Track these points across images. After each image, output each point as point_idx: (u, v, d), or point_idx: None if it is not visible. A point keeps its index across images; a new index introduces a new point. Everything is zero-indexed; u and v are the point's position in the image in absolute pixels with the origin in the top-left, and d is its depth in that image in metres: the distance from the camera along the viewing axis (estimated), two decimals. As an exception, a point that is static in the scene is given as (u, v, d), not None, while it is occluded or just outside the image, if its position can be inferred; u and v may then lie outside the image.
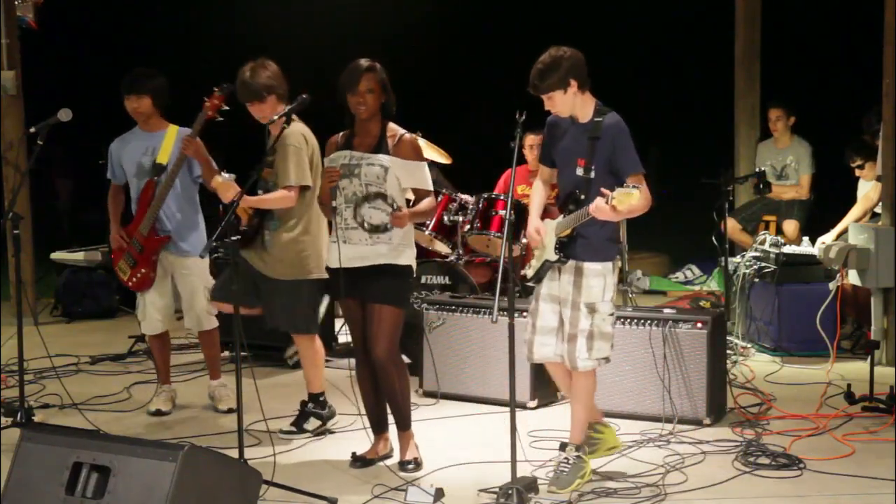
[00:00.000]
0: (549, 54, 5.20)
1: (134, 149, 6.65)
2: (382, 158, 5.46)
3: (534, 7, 17.17)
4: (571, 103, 5.23)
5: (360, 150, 5.51)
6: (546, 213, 5.55)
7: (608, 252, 5.29)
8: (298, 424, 6.25)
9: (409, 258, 5.56)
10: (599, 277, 5.26)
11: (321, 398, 6.29)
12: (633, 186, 4.91)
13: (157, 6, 15.35)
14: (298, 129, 5.98)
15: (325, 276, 5.89)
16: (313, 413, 6.27)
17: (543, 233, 5.36)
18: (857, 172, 8.59)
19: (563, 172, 5.37)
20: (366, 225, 5.43)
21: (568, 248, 5.26)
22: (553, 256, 5.28)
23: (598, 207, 5.02)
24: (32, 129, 6.38)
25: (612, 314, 5.31)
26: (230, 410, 6.59)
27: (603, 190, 5.02)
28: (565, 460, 5.39)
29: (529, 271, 5.43)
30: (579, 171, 5.20)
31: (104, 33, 15.39)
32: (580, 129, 5.26)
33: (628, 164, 5.16)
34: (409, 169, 5.49)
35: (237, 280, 5.49)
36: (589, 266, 5.25)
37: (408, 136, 5.54)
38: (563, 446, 5.47)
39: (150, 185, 6.53)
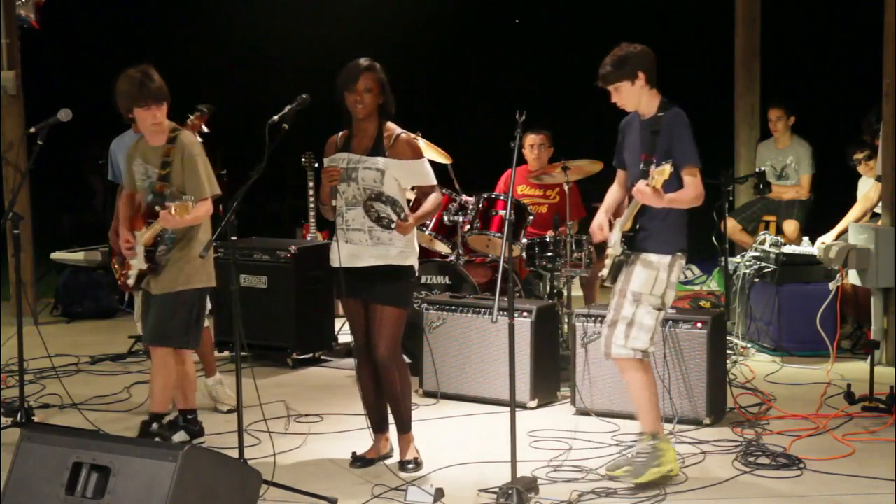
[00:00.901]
0: (619, 47, 5.32)
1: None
2: (378, 161, 5.44)
3: (534, 7, 17.18)
4: (638, 97, 5.31)
5: (358, 151, 5.50)
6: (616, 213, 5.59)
7: (668, 244, 5.31)
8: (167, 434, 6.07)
9: (411, 259, 5.55)
10: (653, 270, 5.30)
11: (164, 420, 6.05)
12: (665, 162, 4.98)
13: (157, 6, 15.34)
14: (191, 137, 5.87)
15: (209, 284, 5.91)
16: (159, 434, 6.00)
17: (607, 229, 5.41)
18: (860, 167, 8.57)
19: (630, 169, 5.45)
20: (383, 221, 5.39)
21: (631, 242, 5.33)
22: (618, 251, 5.34)
23: (639, 189, 5.10)
24: (32, 129, 6.36)
25: (659, 309, 5.32)
26: (231, 411, 6.58)
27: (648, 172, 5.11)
28: (640, 449, 5.37)
29: (605, 271, 5.47)
30: (641, 166, 5.27)
31: (104, 33, 15.38)
32: (645, 124, 5.34)
33: (682, 156, 5.21)
34: (407, 168, 5.48)
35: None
36: (645, 256, 5.31)
37: (404, 135, 5.52)
38: (639, 435, 5.46)
39: None
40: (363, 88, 5.42)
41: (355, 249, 5.48)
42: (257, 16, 15.07)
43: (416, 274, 5.67)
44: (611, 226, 5.47)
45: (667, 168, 4.98)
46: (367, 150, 5.49)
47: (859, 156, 8.52)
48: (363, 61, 5.48)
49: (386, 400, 5.68)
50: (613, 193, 5.60)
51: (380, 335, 5.49)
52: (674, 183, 5.17)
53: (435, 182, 5.60)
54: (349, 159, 5.50)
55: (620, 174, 5.59)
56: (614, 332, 5.34)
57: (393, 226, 5.40)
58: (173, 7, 15.20)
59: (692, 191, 5.21)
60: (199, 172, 5.80)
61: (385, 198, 5.41)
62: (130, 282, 5.96)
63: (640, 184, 5.11)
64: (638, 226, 5.30)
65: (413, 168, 5.50)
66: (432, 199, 5.57)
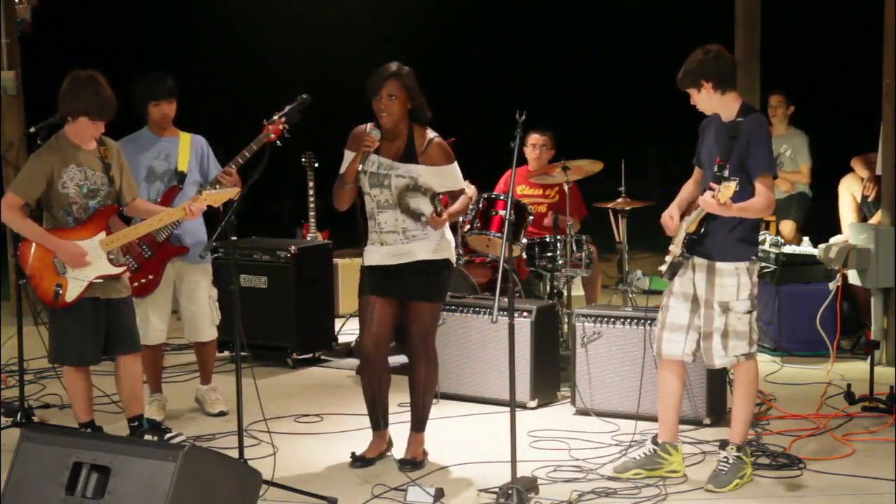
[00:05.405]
0: (696, 52, 5.34)
1: (146, 152, 6.48)
2: (412, 169, 5.43)
3: (534, 8, 17.18)
4: (709, 102, 5.34)
5: (388, 156, 5.47)
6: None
7: (741, 252, 5.30)
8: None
9: (446, 251, 5.57)
10: (732, 276, 5.28)
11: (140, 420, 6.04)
12: (733, 179, 4.99)
13: (156, 6, 15.33)
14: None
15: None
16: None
17: (675, 220, 5.40)
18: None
19: (705, 171, 5.44)
20: (410, 210, 5.42)
21: (695, 245, 5.31)
22: (678, 251, 5.34)
23: (705, 200, 5.11)
24: (32, 129, 6.34)
25: (748, 312, 5.31)
26: (221, 413, 6.58)
27: (711, 184, 5.11)
28: (724, 459, 5.37)
29: (663, 267, 5.47)
30: (716, 170, 5.26)
31: (104, 34, 15.38)
32: (723, 128, 5.33)
33: (756, 164, 5.21)
34: (439, 174, 5.48)
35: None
36: (721, 265, 5.29)
37: (437, 139, 5.50)
38: (723, 445, 5.46)
39: (172, 192, 6.38)
40: (386, 95, 5.40)
41: (391, 249, 5.50)
42: (257, 15, 15.09)
43: (454, 266, 5.69)
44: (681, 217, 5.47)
45: (732, 185, 4.96)
46: (398, 156, 5.46)
47: None
48: (391, 66, 5.44)
49: (386, 399, 5.70)
50: (687, 190, 5.56)
51: (414, 326, 5.55)
52: (747, 190, 5.16)
53: (463, 186, 5.63)
54: (379, 164, 5.46)
55: (697, 172, 5.56)
56: (712, 345, 5.33)
57: (424, 219, 5.41)
58: (173, 7, 15.20)
59: (763, 200, 5.19)
60: (131, 174, 5.94)
61: (424, 190, 5.42)
62: None
63: (707, 195, 5.10)
64: (703, 230, 5.28)
65: (445, 173, 5.50)
66: (461, 200, 5.60)
